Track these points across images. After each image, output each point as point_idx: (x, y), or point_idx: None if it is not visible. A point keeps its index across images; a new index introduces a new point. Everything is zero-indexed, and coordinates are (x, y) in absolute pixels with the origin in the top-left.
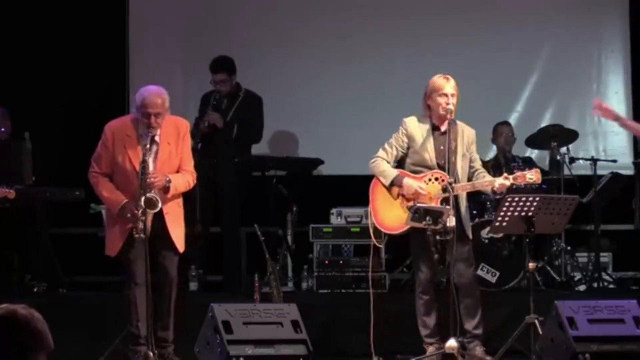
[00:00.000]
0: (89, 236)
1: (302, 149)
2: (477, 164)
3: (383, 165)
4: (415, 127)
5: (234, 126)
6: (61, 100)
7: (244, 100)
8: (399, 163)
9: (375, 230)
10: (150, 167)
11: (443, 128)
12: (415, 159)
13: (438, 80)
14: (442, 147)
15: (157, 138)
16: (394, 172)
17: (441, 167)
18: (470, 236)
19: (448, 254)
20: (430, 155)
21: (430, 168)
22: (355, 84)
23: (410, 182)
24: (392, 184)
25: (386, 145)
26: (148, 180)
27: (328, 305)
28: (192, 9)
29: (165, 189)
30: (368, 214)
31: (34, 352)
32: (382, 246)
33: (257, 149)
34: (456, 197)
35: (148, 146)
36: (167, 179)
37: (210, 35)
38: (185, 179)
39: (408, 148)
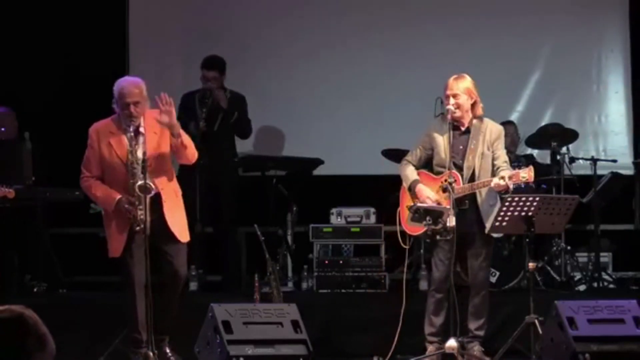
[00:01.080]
0: (89, 236)
1: (302, 149)
2: (499, 162)
3: (407, 170)
4: (437, 128)
5: (234, 113)
6: (61, 100)
7: (231, 100)
8: (429, 164)
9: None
10: (139, 157)
11: (463, 127)
12: (436, 159)
13: (448, 80)
14: (461, 147)
15: (141, 129)
16: (412, 177)
17: (458, 167)
18: (492, 233)
19: (468, 254)
20: (446, 155)
21: (448, 168)
22: (355, 84)
23: (421, 191)
24: (409, 189)
25: (413, 148)
26: (162, 108)
27: (328, 305)
28: (192, 9)
29: (176, 135)
30: (397, 216)
31: (40, 356)
32: (407, 247)
33: (257, 149)
34: (473, 195)
35: (133, 135)
36: (182, 135)
37: (210, 35)
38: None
39: (432, 149)
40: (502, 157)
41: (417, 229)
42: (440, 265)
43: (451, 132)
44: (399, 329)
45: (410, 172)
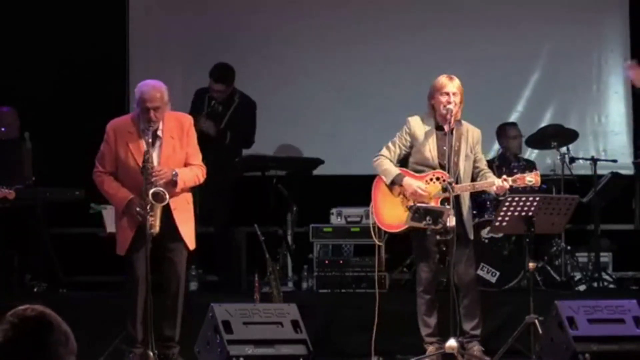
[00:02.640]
0: (89, 236)
1: (302, 149)
2: (482, 164)
3: (385, 164)
4: (419, 126)
5: (227, 133)
6: (61, 101)
7: (239, 106)
8: (403, 161)
9: (378, 228)
10: (155, 162)
11: (447, 128)
12: (417, 158)
13: (441, 79)
14: (444, 147)
15: (159, 133)
16: (395, 171)
17: (443, 167)
18: (472, 237)
19: (449, 254)
20: (432, 154)
21: (432, 168)
22: (355, 84)
23: (410, 182)
24: (392, 182)
25: (390, 144)
26: (152, 176)
27: (328, 305)
28: (192, 10)
29: (173, 183)
30: (370, 213)
31: (66, 354)
32: (382, 244)
33: (258, 149)
34: (457, 198)
35: (150, 141)
36: (174, 172)
37: (210, 36)
38: (193, 173)
39: (411, 147)
40: (483, 160)
41: (393, 226)
42: (426, 266)
43: (435, 131)
44: (374, 331)
45: (390, 167)
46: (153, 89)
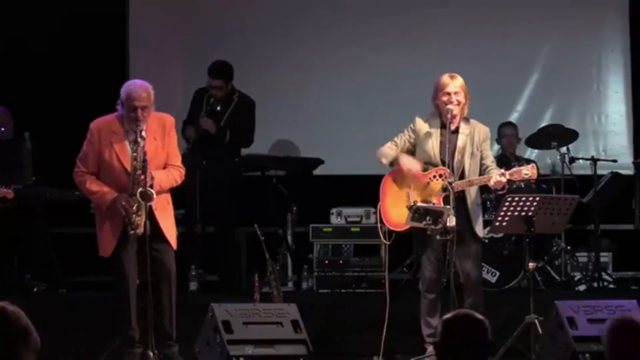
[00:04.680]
0: (89, 236)
1: (302, 149)
2: (488, 161)
3: (385, 148)
4: (423, 125)
5: (227, 132)
6: (61, 100)
7: (238, 105)
8: None
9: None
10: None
11: (453, 126)
12: (421, 156)
13: (443, 79)
14: (449, 146)
15: (143, 133)
16: (393, 153)
17: (446, 165)
18: (481, 234)
19: (450, 254)
20: (435, 152)
21: (435, 165)
22: (355, 84)
23: (406, 161)
24: (391, 163)
25: (395, 138)
26: (145, 175)
27: (328, 305)
28: (192, 9)
29: (150, 186)
30: (377, 211)
31: (24, 350)
32: (388, 243)
33: (258, 149)
34: (462, 194)
35: (139, 140)
36: (150, 176)
37: (210, 36)
38: (170, 175)
39: (415, 145)
40: (490, 157)
41: (400, 225)
42: (430, 266)
43: (440, 130)
44: (384, 332)
45: (389, 150)
46: (140, 88)
